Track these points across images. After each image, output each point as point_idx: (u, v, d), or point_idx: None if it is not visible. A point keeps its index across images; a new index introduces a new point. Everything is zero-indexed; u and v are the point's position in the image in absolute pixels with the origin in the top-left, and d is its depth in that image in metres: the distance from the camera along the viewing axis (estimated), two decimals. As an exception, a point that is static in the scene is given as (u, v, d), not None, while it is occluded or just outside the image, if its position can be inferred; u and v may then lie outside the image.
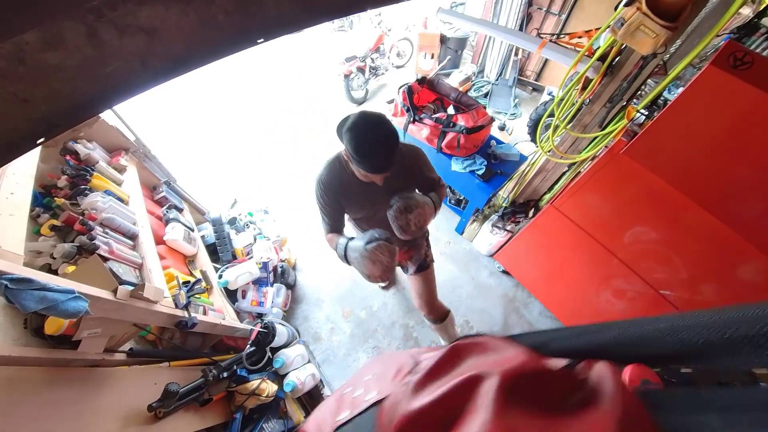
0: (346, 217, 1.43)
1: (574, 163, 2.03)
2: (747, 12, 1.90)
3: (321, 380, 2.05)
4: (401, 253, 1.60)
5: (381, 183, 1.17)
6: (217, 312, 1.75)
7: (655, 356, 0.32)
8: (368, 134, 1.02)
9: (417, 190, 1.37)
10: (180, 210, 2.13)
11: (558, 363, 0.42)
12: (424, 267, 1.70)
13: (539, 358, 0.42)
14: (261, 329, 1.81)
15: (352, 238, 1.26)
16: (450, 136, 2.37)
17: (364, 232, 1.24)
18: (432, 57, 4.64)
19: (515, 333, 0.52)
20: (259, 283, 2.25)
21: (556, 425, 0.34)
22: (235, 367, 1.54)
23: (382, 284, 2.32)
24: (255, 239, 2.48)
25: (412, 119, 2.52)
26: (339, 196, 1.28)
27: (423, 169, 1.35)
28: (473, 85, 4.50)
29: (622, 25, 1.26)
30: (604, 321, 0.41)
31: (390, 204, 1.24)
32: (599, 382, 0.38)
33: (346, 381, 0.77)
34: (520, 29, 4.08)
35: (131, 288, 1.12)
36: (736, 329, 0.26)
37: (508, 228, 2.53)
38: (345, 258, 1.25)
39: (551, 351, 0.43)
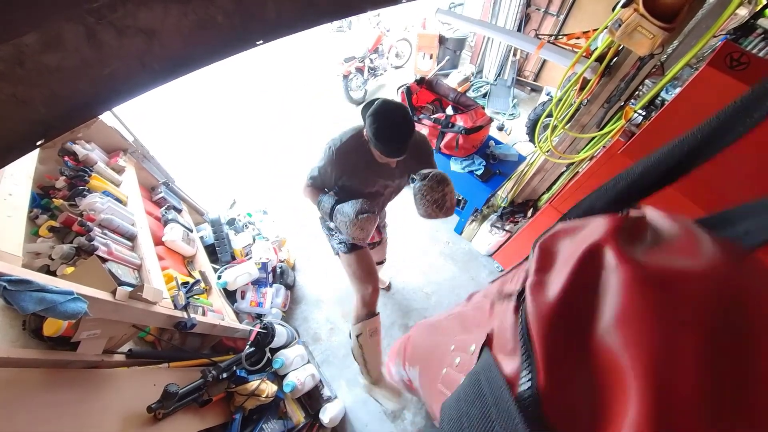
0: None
1: (572, 163, 2.03)
2: (743, 13, 1.91)
3: (321, 380, 2.05)
4: (376, 232, 1.75)
5: (394, 165, 1.33)
6: (216, 313, 1.75)
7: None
8: (390, 122, 1.13)
9: None
10: (179, 211, 2.13)
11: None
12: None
13: (608, 215, 0.42)
14: (260, 330, 1.81)
15: (338, 200, 1.34)
16: (449, 136, 2.37)
17: (344, 198, 1.33)
18: (431, 57, 4.64)
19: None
20: (258, 283, 2.24)
21: (666, 254, 0.35)
22: (234, 367, 1.54)
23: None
24: (254, 240, 2.48)
25: (410, 120, 2.52)
26: (347, 168, 1.34)
27: (429, 156, 1.47)
28: (472, 85, 4.51)
29: (620, 26, 1.26)
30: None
31: (417, 177, 1.25)
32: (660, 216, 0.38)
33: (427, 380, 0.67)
34: (519, 30, 4.08)
35: (130, 289, 1.12)
36: None
37: (507, 228, 2.53)
38: (329, 214, 1.34)
39: (598, 212, 0.44)
